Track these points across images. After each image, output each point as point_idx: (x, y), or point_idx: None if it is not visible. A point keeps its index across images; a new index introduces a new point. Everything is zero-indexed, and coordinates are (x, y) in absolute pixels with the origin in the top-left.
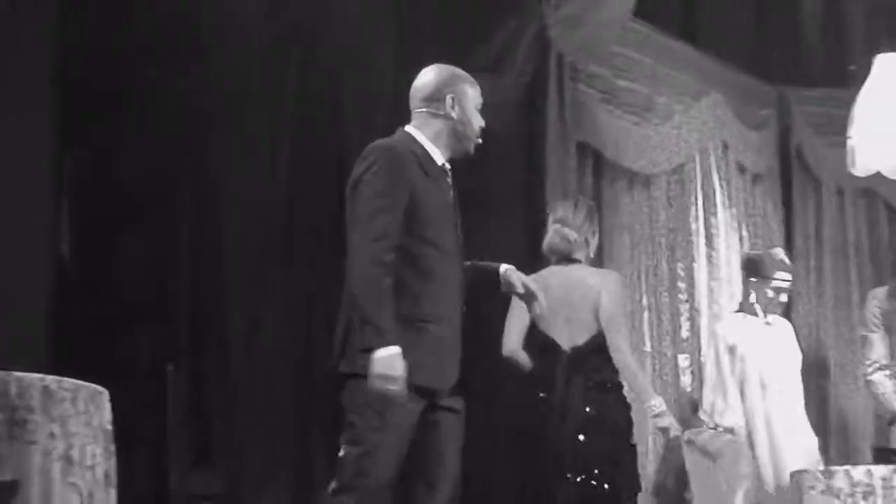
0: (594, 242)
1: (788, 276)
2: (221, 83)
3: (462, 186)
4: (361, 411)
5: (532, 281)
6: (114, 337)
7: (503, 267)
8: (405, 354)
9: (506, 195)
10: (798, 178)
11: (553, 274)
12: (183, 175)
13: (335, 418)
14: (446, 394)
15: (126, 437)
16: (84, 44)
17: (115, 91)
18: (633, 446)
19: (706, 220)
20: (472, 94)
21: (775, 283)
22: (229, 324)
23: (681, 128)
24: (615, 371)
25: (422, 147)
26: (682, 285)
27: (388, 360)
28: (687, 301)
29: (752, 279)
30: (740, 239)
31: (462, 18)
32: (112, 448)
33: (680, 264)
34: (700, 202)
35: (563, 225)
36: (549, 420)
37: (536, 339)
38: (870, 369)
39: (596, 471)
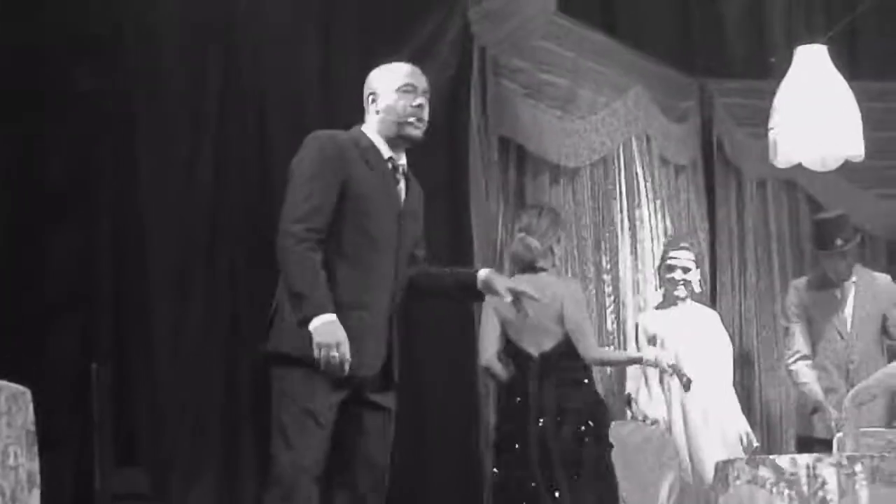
0: (558, 250)
1: (685, 254)
2: (142, 80)
3: None
4: (285, 405)
5: (514, 282)
6: (35, 336)
7: (483, 271)
8: (308, 332)
9: (428, 190)
10: (720, 170)
11: (518, 283)
12: (105, 173)
13: (262, 414)
14: (371, 387)
15: (50, 437)
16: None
17: (35, 89)
18: (605, 436)
19: (630, 212)
20: (391, 79)
21: (670, 262)
22: (153, 322)
23: (603, 121)
24: (586, 368)
25: (368, 140)
26: (606, 278)
27: (327, 327)
28: (612, 294)
29: (659, 267)
30: (665, 231)
31: (386, 13)
32: (35, 449)
33: (605, 257)
34: (624, 195)
35: (527, 233)
36: (527, 422)
37: (507, 347)
38: (790, 360)
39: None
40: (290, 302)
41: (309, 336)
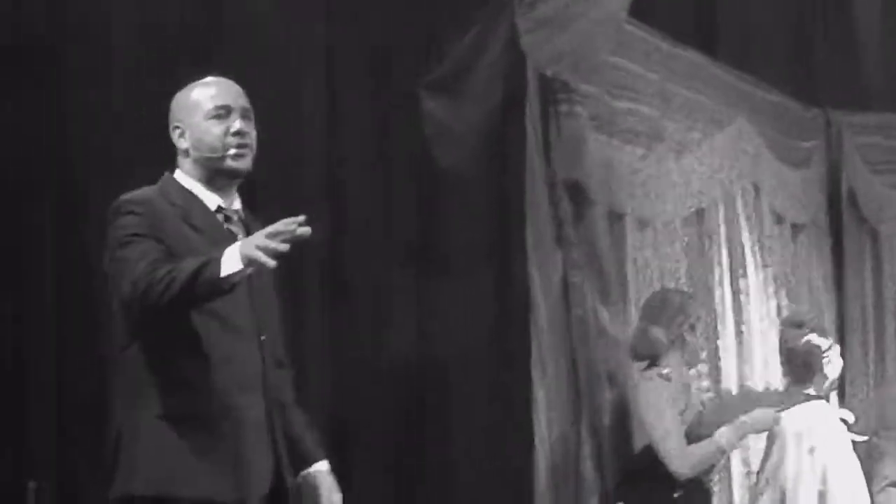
0: (695, 339)
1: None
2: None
3: (414, 240)
4: None
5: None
6: None
7: (320, 465)
8: (167, 460)
9: (472, 250)
10: (851, 229)
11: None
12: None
13: None
14: None
15: None
16: None
17: None
18: None
19: (733, 283)
20: (202, 99)
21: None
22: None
23: (698, 163)
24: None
25: (186, 192)
26: (703, 369)
27: (237, 249)
28: (709, 391)
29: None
30: (778, 308)
31: (406, 27)
32: None
33: (700, 341)
34: (724, 261)
35: (649, 322)
36: None
37: None
38: None
39: None
40: (186, 302)
41: (169, 469)
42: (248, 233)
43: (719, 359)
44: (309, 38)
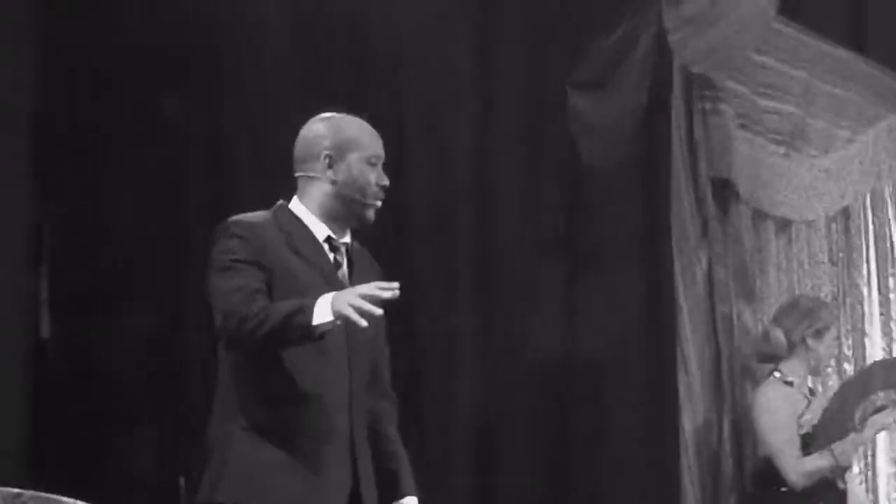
0: (820, 346)
1: None
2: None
3: (561, 235)
4: None
5: None
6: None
7: (408, 500)
8: (249, 471)
9: (618, 245)
10: None
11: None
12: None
13: None
14: None
15: None
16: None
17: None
18: None
19: (881, 281)
20: (364, 143)
21: None
22: None
23: (844, 162)
24: None
25: (297, 221)
26: (848, 367)
27: (329, 300)
28: None
29: None
30: None
31: (558, 23)
32: None
33: (847, 341)
34: (872, 260)
35: (774, 322)
36: None
37: None
38: None
39: None
40: (277, 344)
41: (249, 479)
42: (352, 265)
43: (865, 358)
44: (461, 36)
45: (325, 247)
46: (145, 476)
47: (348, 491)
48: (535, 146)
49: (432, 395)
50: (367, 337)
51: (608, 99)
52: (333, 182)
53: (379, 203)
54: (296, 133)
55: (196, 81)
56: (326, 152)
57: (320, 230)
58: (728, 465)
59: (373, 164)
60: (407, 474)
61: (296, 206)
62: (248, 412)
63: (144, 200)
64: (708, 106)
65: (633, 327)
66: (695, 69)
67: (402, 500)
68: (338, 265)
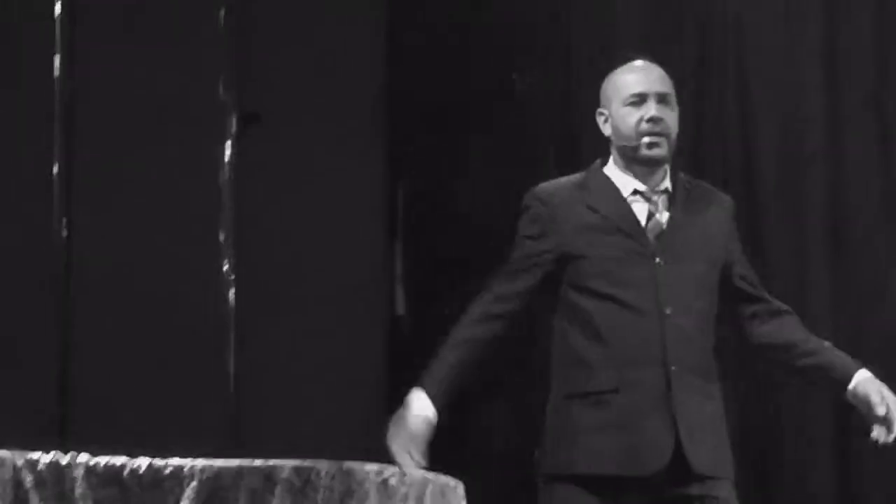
0: None
1: None
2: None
3: None
4: None
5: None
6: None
7: (859, 375)
8: (570, 440)
9: None
10: None
11: None
12: None
13: None
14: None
15: None
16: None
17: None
18: None
19: None
20: (621, 86)
21: None
22: None
23: None
24: None
25: (603, 179)
26: None
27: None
28: None
29: None
30: None
31: None
32: None
33: None
34: None
35: None
36: None
37: None
38: None
39: None
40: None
41: (569, 448)
42: (678, 208)
43: None
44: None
45: (635, 199)
46: (502, 449)
47: (671, 449)
48: (881, 110)
49: None
50: (686, 287)
51: None
52: (609, 138)
53: (650, 138)
54: None
55: (546, 59)
56: (600, 111)
57: (626, 184)
58: None
59: (633, 104)
60: (841, 357)
61: (609, 165)
62: (563, 380)
63: (497, 178)
64: None
65: None
66: None
67: (853, 380)
68: (650, 216)
